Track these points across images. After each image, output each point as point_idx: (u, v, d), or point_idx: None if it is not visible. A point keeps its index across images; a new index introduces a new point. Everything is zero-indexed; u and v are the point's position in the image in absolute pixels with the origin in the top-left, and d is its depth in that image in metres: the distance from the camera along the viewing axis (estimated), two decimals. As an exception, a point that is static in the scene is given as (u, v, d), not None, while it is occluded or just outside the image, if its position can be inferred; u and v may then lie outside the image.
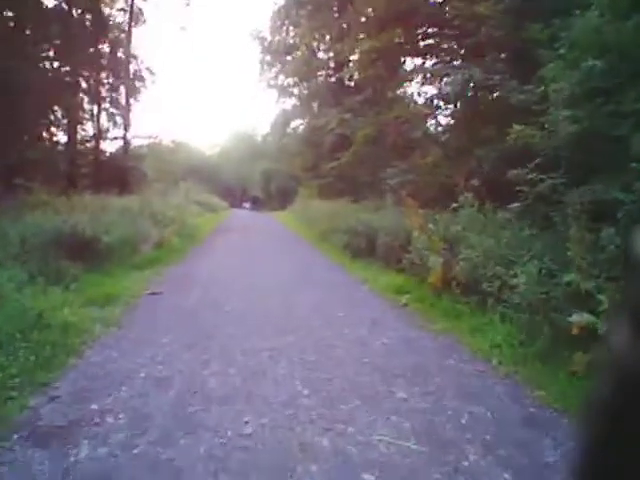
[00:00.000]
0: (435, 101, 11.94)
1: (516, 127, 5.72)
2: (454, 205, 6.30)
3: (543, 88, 6.26)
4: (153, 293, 6.31)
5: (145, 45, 25.10)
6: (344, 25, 23.08)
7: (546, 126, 5.68)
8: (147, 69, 24.13)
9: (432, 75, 10.01)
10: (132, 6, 23.07)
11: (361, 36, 15.51)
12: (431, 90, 12.13)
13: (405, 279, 6.50)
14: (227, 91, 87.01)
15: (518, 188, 5.44)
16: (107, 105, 24.16)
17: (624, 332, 0.35)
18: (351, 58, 21.37)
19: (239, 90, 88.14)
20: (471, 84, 7.58)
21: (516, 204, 5.47)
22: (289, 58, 30.65)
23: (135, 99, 24.31)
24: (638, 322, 0.35)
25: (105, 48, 23.16)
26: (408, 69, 13.20)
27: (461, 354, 4.12)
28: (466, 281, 5.31)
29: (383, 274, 7.12)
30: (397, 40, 11.67)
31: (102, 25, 22.04)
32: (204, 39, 75.11)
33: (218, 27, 79.84)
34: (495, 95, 7.77)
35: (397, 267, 7.02)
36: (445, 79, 7.76)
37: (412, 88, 13.95)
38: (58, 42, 19.75)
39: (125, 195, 16.26)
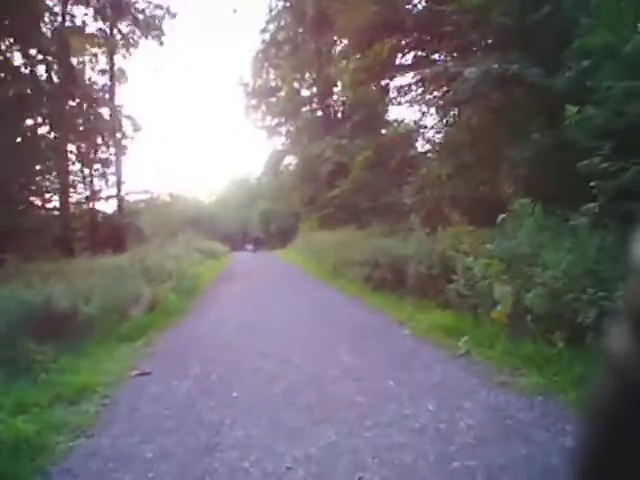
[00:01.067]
0: (432, 113, 10.84)
1: (570, 109, 4.45)
2: (502, 217, 4.94)
3: (587, 62, 5.05)
4: (141, 374, 4.86)
5: (131, 101, 24.45)
6: (326, 53, 22.52)
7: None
8: (132, 124, 23.35)
9: (436, 78, 8.83)
10: (112, 67, 22.52)
11: (344, 61, 14.67)
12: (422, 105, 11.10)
13: (453, 316, 5.06)
14: (219, 138, 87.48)
15: (592, 183, 4.11)
16: (98, 166, 23.37)
17: (624, 336, 0.34)
18: (337, 84, 20.69)
19: (230, 136, 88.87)
20: (488, 78, 6.38)
21: (592, 204, 4.12)
22: (273, 99, 30.19)
23: (124, 154, 23.48)
24: (638, 326, 0.34)
25: (89, 111, 22.48)
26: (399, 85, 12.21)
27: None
28: (545, 312, 3.89)
29: (422, 311, 5.67)
30: (386, 54, 10.67)
31: (84, 87, 21.43)
32: (190, 90, 75.93)
33: (204, 77, 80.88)
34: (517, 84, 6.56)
35: (437, 301, 5.60)
36: (460, 77, 6.56)
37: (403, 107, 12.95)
38: (45, 111, 19.03)
39: (120, 253, 15.07)
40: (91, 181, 23.15)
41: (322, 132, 22.41)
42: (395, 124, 13.89)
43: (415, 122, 11.98)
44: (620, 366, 0.35)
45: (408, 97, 11.28)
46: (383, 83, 12.65)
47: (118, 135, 23.17)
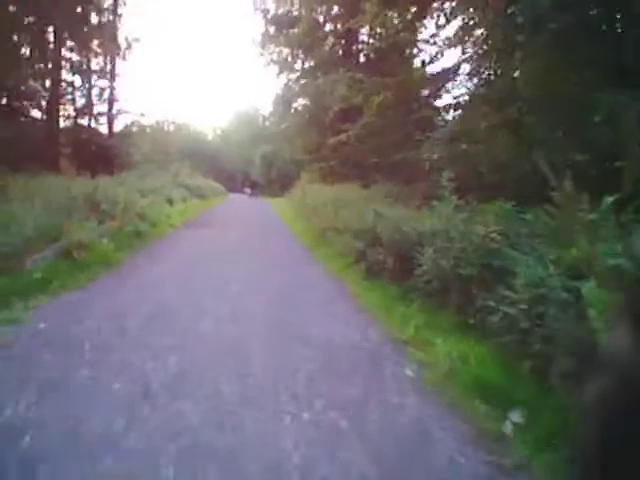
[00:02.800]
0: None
1: None
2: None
3: None
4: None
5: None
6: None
7: None
8: (127, 40, 20.11)
9: None
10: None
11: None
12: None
13: (496, 357, 2.87)
14: (229, 70, 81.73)
15: None
16: (94, 77, 20.41)
17: (624, 334, 0.34)
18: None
19: (241, 69, 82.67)
20: None
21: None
22: (294, 31, 26.51)
23: (119, 64, 20.43)
24: (637, 324, 0.34)
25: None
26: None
27: None
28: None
29: (435, 328, 3.48)
30: None
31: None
32: (203, 14, 69.47)
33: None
34: None
35: (463, 315, 3.41)
36: None
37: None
38: None
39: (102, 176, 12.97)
40: (89, 94, 20.27)
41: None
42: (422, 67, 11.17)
43: (451, 67, 9.32)
44: (620, 364, 0.34)
45: (443, 36, 8.54)
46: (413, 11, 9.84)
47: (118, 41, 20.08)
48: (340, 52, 22.68)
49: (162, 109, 48.38)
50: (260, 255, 7.34)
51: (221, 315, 3.98)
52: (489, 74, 7.80)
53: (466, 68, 8.75)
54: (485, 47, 7.56)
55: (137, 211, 8.20)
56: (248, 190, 34.20)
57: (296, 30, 25.57)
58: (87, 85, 20.37)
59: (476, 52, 8.01)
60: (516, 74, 6.84)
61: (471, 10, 7.79)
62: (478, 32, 7.92)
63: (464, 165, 5.21)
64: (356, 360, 3.05)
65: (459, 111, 8.69)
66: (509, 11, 5.99)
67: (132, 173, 16.71)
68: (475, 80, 8.22)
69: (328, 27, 23.16)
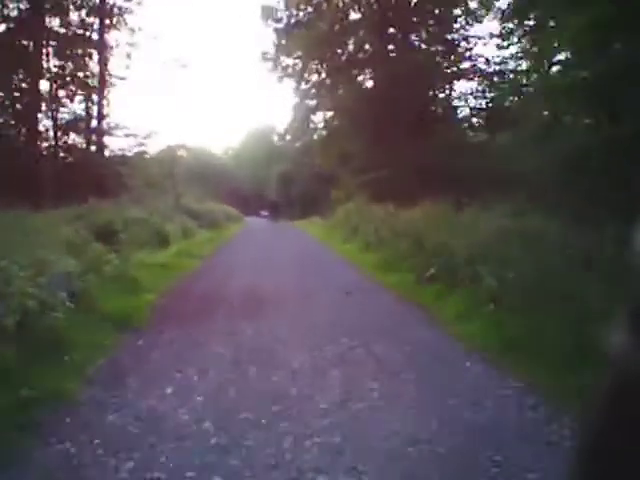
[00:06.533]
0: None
1: None
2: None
3: None
4: None
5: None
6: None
7: None
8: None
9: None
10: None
11: None
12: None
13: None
14: (240, 90, 77.79)
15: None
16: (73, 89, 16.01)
17: (624, 333, 0.33)
18: None
19: (253, 87, 78.79)
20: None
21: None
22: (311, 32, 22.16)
23: (110, 75, 16.00)
24: (638, 324, 0.32)
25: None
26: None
27: None
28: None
29: None
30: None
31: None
32: (208, 26, 65.74)
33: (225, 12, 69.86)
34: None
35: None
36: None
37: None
38: None
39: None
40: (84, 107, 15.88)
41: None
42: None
43: None
44: (620, 363, 0.33)
45: None
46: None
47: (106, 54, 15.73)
48: (369, 47, 18.26)
49: (171, 131, 44.30)
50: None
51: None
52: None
53: None
54: None
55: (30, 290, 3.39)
56: (265, 213, 29.44)
57: (314, 28, 21.19)
58: (72, 98, 15.86)
59: None
60: None
61: None
62: None
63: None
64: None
65: None
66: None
67: (120, 200, 12.12)
68: None
69: (354, 16, 18.70)
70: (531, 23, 6.40)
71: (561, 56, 7.65)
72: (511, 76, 11.98)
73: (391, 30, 17.71)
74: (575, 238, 3.80)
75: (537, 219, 4.63)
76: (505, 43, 10.67)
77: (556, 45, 6.62)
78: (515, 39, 8.65)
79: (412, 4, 16.77)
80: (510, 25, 7.91)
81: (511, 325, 3.12)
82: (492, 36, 13.64)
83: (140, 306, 4.03)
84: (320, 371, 2.81)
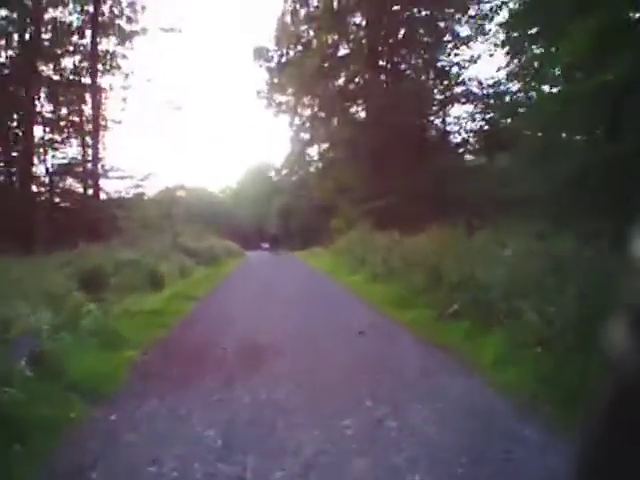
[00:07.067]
0: None
1: None
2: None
3: None
4: None
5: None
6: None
7: None
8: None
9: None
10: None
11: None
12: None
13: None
14: (236, 129, 78.53)
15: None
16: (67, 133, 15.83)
17: (624, 335, 0.32)
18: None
19: (248, 126, 79.61)
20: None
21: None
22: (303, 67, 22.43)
23: (105, 120, 15.86)
24: (637, 325, 0.32)
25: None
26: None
27: None
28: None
29: None
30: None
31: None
32: (203, 67, 67.12)
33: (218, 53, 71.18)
34: None
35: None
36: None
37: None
38: None
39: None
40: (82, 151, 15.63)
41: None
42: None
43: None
44: (622, 368, 0.32)
45: None
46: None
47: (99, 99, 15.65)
48: (359, 79, 18.32)
49: (169, 172, 44.49)
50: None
51: None
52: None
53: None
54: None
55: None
56: (266, 245, 29.06)
57: (305, 65, 21.45)
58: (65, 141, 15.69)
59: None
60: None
61: None
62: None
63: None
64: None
65: None
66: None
67: (111, 243, 11.65)
68: None
69: (343, 51, 18.85)
70: (531, 32, 6.13)
71: (557, 71, 7.41)
72: (507, 99, 11.80)
73: (381, 63, 17.88)
74: (613, 264, 3.24)
75: (565, 242, 4.08)
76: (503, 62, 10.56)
77: (554, 57, 6.34)
78: (509, 58, 8.43)
79: (401, 35, 16.92)
80: (508, 36, 7.71)
81: (568, 372, 2.50)
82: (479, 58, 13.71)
83: (119, 365, 3.40)
84: (341, 461, 1.99)
